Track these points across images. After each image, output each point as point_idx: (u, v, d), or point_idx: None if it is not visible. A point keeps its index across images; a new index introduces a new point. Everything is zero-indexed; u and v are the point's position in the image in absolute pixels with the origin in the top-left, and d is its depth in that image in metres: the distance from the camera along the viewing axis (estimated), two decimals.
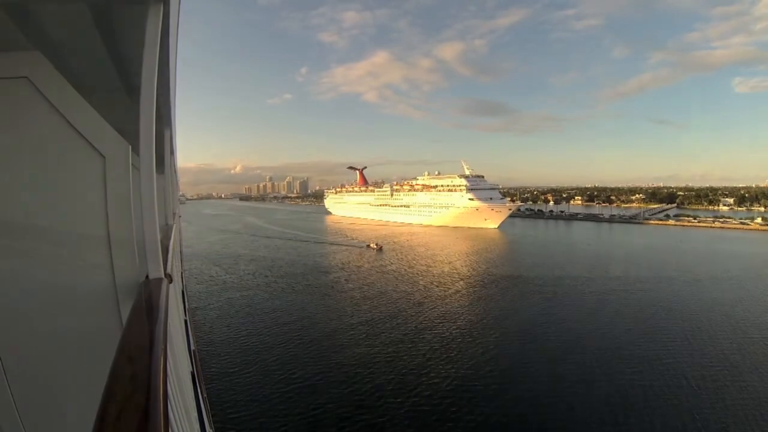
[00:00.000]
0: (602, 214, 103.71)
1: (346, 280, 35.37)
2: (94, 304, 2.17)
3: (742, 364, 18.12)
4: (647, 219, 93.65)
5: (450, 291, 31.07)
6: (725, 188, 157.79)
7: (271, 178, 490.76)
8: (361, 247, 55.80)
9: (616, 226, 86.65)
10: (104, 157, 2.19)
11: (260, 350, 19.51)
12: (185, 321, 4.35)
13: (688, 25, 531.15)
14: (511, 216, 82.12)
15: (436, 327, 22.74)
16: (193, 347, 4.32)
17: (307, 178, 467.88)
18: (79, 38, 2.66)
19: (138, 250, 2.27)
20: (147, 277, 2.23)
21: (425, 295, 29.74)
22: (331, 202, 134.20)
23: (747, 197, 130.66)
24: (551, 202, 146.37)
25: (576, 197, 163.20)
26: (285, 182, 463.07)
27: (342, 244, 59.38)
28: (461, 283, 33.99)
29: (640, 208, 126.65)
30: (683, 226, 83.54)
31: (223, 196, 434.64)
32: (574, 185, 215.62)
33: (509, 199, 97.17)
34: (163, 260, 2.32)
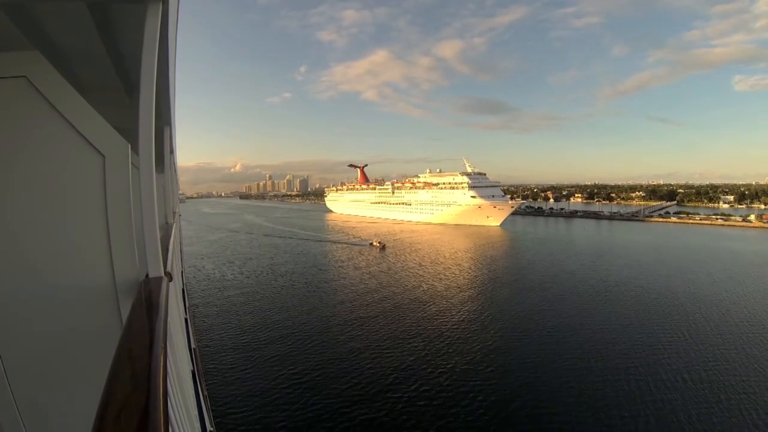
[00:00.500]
0: (602, 212, 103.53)
1: (347, 279, 35.34)
2: (94, 303, 2.17)
3: (741, 361, 18.12)
4: (648, 216, 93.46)
5: (462, 291, 30.94)
6: (725, 186, 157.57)
7: (270, 177, 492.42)
8: (364, 245, 55.64)
9: (616, 223, 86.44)
10: (104, 155, 2.19)
11: (260, 348, 19.55)
12: (185, 319, 4.36)
13: (687, 23, 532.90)
14: (512, 213, 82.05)
15: (439, 325, 22.74)
16: (193, 345, 4.33)
17: (307, 177, 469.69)
18: (79, 38, 2.65)
19: (138, 248, 2.26)
20: (147, 275, 2.23)
21: (431, 295, 29.70)
22: (331, 200, 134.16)
23: (747, 195, 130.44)
24: (551, 200, 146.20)
25: (576, 195, 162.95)
26: (285, 180, 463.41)
27: (344, 243, 59.17)
28: (475, 282, 33.82)
29: (640, 205, 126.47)
30: (685, 223, 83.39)
31: (222, 194, 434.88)
32: (574, 183, 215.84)
33: (510, 196, 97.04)
34: (163, 259, 2.31)
